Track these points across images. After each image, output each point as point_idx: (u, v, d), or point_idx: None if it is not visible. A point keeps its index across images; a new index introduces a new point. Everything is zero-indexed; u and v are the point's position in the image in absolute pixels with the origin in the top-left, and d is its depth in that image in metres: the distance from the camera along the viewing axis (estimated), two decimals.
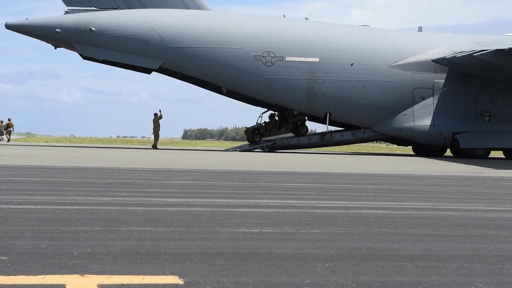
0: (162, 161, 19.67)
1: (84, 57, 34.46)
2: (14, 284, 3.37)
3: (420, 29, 40.19)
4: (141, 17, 33.79)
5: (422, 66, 34.84)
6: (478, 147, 34.07)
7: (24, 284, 3.38)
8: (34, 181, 10.72)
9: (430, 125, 34.45)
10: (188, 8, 34.89)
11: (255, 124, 36.37)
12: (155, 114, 37.72)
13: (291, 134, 36.91)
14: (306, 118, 36.33)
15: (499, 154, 39.89)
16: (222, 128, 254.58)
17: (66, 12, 34.12)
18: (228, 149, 38.46)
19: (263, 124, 36.26)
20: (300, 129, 36.00)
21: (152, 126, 37.78)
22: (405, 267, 4.13)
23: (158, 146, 37.86)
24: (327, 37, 34.97)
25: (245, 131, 36.94)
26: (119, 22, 33.54)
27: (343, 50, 34.65)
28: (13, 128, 50.38)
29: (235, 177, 13.41)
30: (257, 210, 7.22)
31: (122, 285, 3.43)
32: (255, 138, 35.89)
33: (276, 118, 36.28)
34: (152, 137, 39.06)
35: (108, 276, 3.62)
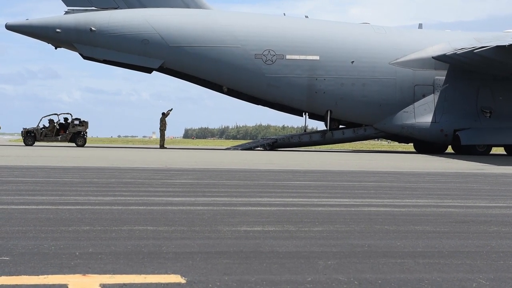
0: (163, 161, 19.67)
1: (85, 57, 34.49)
2: (17, 284, 3.37)
3: (420, 26, 40.16)
4: (141, 17, 33.79)
5: (422, 63, 34.81)
6: (479, 144, 34.05)
7: (27, 284, 3.38)
8: (36, 181, 10.73)
9: (431, 122, 34.41)
10: (188, 7, 34.89)
11: (35, 126, 35.75)
12: (163, 113, 37.47)
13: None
14: (86, 132, 36.30)
15: (500, 150, 39.86)
16: (223, 127, 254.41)
17: (66, 12, 34.14)
18: (229, 148, 38.49)
19: (42, 128, 35.79)
20: (77, 141, 35.59)
21: (159, 125, 37.50)
22: (407, 264, 4.13)
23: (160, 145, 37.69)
24: (327, 35, 34.95)
25: (21, 132, 36.22)
26: (119, 22, 33.55)
27: (343, 48, 34.63)
28: None
29: (237, 175, 13.41)
30: (258, 208, 7.21)
31: (125, 284, 3.44)
32: (28, 141, 35.28)
33: (56, 125, 35.89)
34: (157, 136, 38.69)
35: (110, 275, 3.62)
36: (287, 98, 34.69)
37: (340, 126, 36.92)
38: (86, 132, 36.51)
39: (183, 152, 29.84)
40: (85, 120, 36.31)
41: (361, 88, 34.54)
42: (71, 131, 35.60)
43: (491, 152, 35.44)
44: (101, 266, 3.87)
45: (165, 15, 34.13)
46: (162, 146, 36.92)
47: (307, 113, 35.95)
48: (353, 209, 7.41)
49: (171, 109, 37.75)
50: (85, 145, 35.86)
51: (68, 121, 36.16)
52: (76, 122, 35.91)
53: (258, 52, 34.04)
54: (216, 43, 33.84)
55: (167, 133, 38.46)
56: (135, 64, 34.22)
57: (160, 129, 37.54)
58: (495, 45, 30.81)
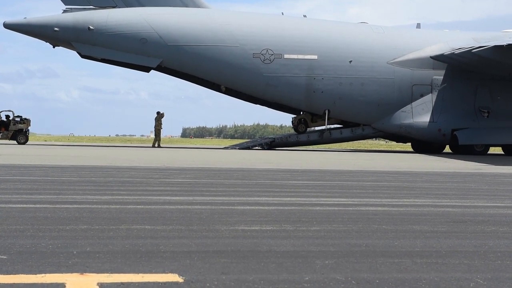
0: (161, 160, 19.66)
1: (83, 56, 34.47)
2: (14, 283, 3.37)
3: (418, 26, 40.18)
4: (140, 16, 33.77)
5: (420, 63, 34.83)
6: (477, 144, 34.09)
7: (24, 283, 3.38)
8: (33, 180, 10.72)
9: (429, 121, 34.44)
10: (187, 6, 34.88)
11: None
12: (158, 113, 37.40)
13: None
14: (28, 130, 36.13)
15: (498, 150, 39.89)
16: (221, 126, 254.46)
17: (65, 11, 34.12)
18: (227, 147, 38.48)
19: None
20: (19, 139, 35.35)
21: (154, 124, 37.41)
22: (404, 264, 4.13)
23: (156, 145, 37.60)
24: (326, 34, 34.95)
25: None
26: (118, 21, 33.53)
27: (341, 48, 34.63)
28: None
29: (235, 175, 13.41)
30: (256, 207, 7.21)
31: (122, 283, 3.43)
32: None
33: None
34: (153, 135, 38.61)
35: (108, 274, 3.62)
36: (285, 97, 34.70)
37: (338, 126, 36.97)
38: (28, 130, 36.26)
39: (181, 151, 29.83)
40: (27, 118, 36.10)
41: (360, 87, 34.55)
42: (12, 129, 35.26)
43: (488, 152, 35.49)
44: (99, 265, 3.86)
45: (163, 14, 34.12)
46: (158, 146, 36.83)
47: (305, 113, 35.94)
48: (351, 208, 7.41)
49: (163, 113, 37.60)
50: (26, 143, 35.49)
51: (9, 118, 35.85)
52: (18, 119, 35.62)
53: (256, 52, 34.04)
54: (215, 42, 33.83)
55: (165, 132, 38.45)
56: (133, 63, 34.19)
57: (156, 128, 37.53)
58: (493, 45, 30.84)
